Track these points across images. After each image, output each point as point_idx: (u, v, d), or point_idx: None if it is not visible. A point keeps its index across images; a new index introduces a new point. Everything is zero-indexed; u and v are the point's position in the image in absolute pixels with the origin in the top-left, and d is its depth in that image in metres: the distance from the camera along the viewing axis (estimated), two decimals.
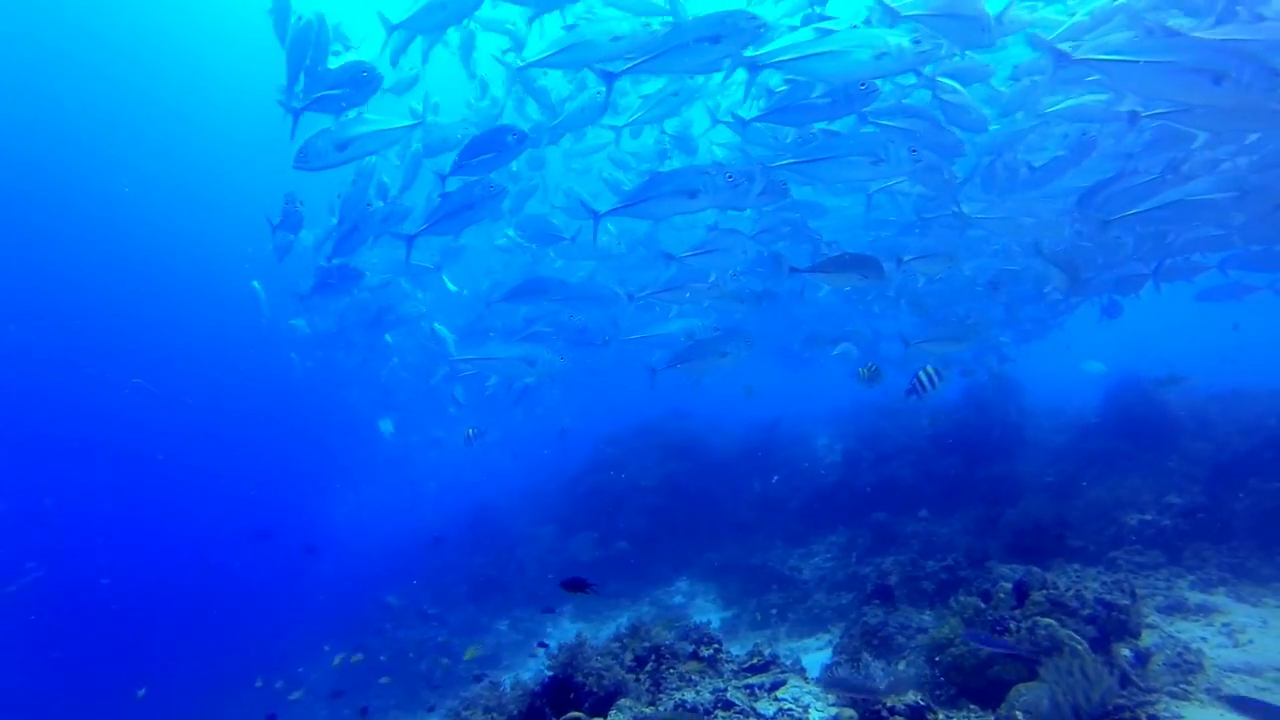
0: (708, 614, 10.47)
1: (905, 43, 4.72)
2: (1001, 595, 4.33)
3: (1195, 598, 6.12)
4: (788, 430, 14.23)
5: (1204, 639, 5.10)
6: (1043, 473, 10.77)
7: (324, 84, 5.94)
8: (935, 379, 6.44)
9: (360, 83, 5.97)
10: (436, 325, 11.21)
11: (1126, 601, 4.07)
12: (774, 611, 9.26)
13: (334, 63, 6.31)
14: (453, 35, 8.28)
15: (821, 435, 14.52)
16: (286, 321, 14.73)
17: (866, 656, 5.74)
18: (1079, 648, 3.61)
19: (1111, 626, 3.96)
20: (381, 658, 10.06)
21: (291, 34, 6.39)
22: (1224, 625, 5.31)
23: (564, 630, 11.50)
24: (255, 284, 12.94)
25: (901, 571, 7.25)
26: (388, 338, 13.58)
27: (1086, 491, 9.24)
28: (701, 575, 11.45)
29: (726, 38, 4.95)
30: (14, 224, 32.52)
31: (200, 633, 16.76)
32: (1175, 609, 5.74)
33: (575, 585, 4.50)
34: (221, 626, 16.51)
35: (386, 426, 20.39)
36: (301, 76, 6.36)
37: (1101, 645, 3.90)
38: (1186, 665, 4.34)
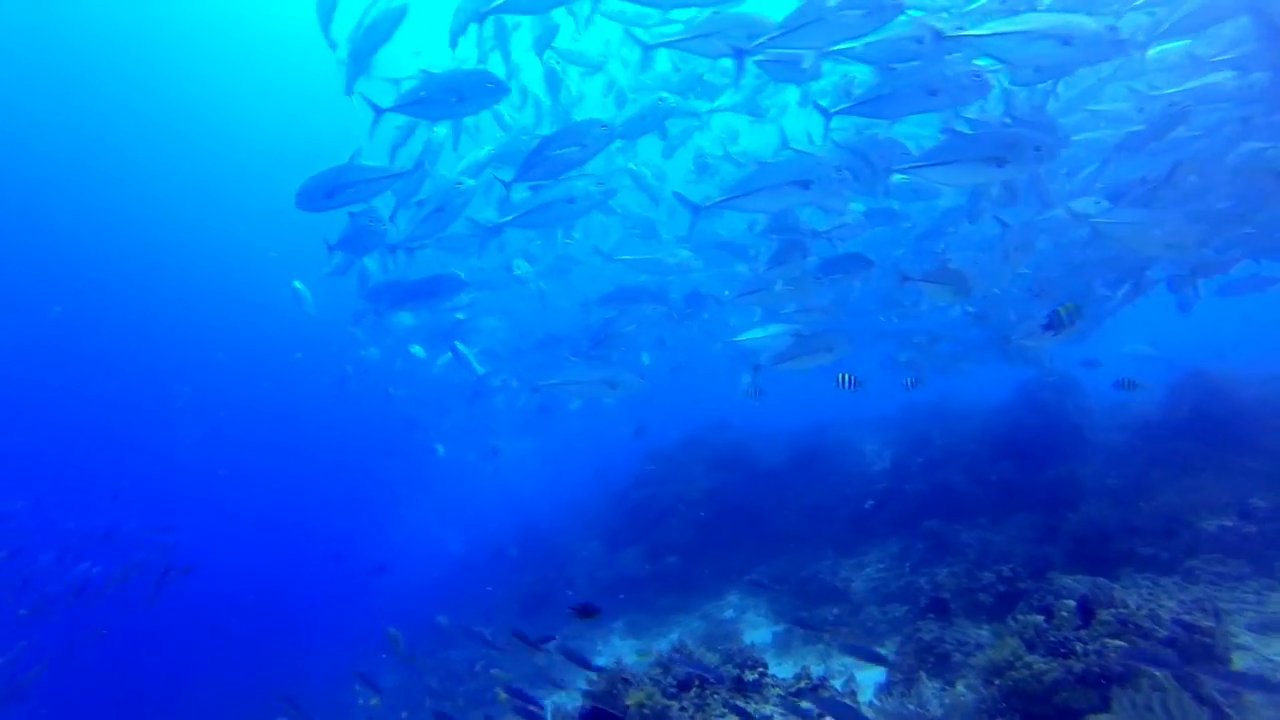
0: (759, 628, 10.25)
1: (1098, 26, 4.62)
2: (1064, 613, 4.06)
3: None
4: (834, 438, 13.92)
5: None
6: (1105, 475, 10.25)
7: (441, 88, 5.72)
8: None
9: (481, 93, 5.75)
10: (457, 344, 11.29)
11: (1210, 623, 3.75)
12: (826, 626, 8.99)
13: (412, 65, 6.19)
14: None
15: (870, 441, 14.16)
16: (356, 350, 14.96)
17: (922, 676, 5.50)
18: (1159, 676, 3.34)
19: (1194, 651, 3.65)
20: (431, 682, 10.11)
21: (369, 18, 6.28)
22: None
23: (614, 647, 11.42)
24: (297, 284, 12.63)
25: (957, 583, 6.95)
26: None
27: (1156, 495, 8.74)
28: (752, 589, 11.22)
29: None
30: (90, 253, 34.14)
31: (246, 652, 17.20)
32: (1271, 626, 5.31)
33: (585, 611, 4.42)
34: (261, 647, 16.92)
35: (441, 449, 20.64)
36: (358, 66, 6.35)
37: (1184, 671, 3.60)
38: None
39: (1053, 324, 5.82)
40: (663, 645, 11.24)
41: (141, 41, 29.28)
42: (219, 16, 28.39)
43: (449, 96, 5.69)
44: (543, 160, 5.90)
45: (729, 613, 10.96)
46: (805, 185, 5.13)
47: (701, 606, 11.30)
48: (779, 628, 9.83)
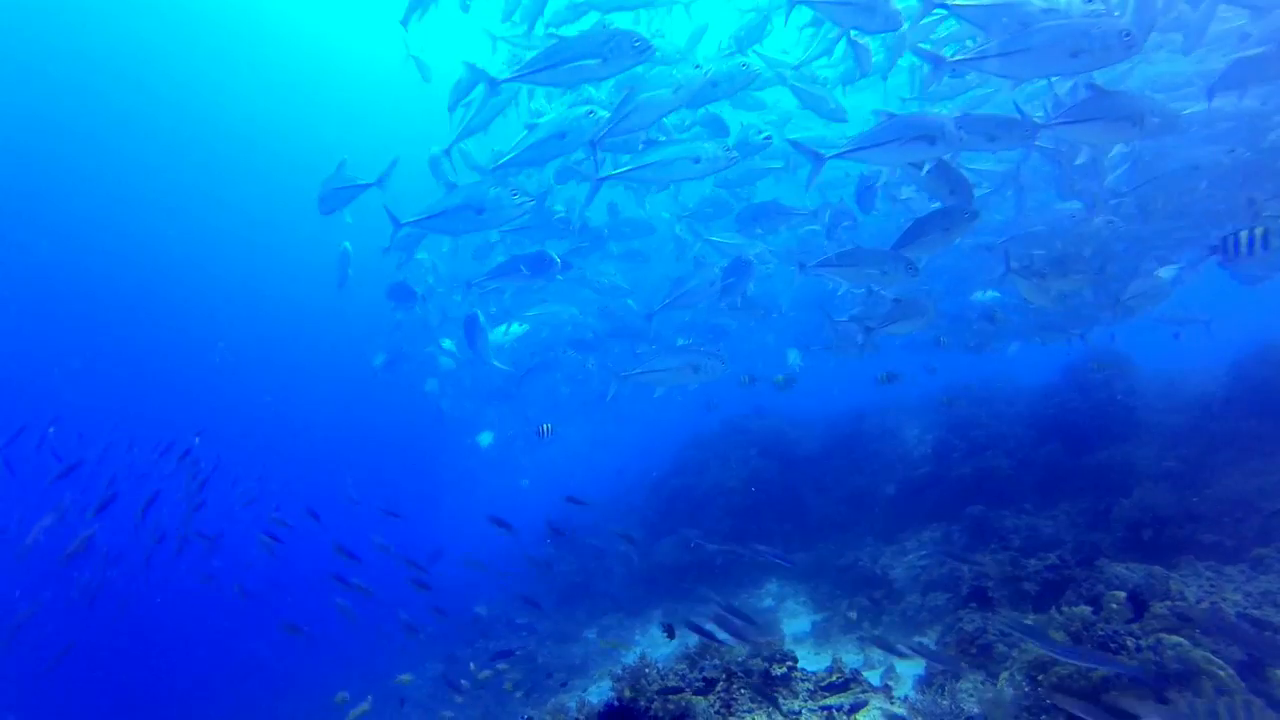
0: (799, 617, 10.10)
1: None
2: (1114, 605, 3.81)
3: None
4: (875, 423, 13.59)
5: None
6: (1161, 458, 9.78)
7: (578, 51, 5.35)
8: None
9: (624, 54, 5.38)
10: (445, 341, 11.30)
11: None
12: (867, 615, 8.81)
13: None
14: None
15: (911, 426, 13.79)
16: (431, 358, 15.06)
17: (964, 669, 5.30)
18: (1223, 674, 3.09)
19: (1264, 649, 3.37)
20: (471, 666, 10.20)
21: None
22: None
23: (652, 637, 11.37)
24: (346, 245, 12.35)
25: (1001, 571, 6.68)
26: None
27: (1218, 479, 8.29)
28: (791, 576, 11.06)
29: None
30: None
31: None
32: None
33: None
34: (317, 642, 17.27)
35: (485, 438, 20.73)
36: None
37: (1252, 672, 3.33)
38: None
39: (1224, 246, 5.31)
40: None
41: (149, 47, 30.05)
42: (227, 22, 29.05)
43: (590, 59, 5.29)
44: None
45: (769, 601, 10.82)
46: (931, 141, 4.91)
47: (740, 595, 11.17)
48: (819, 616, 9.66)
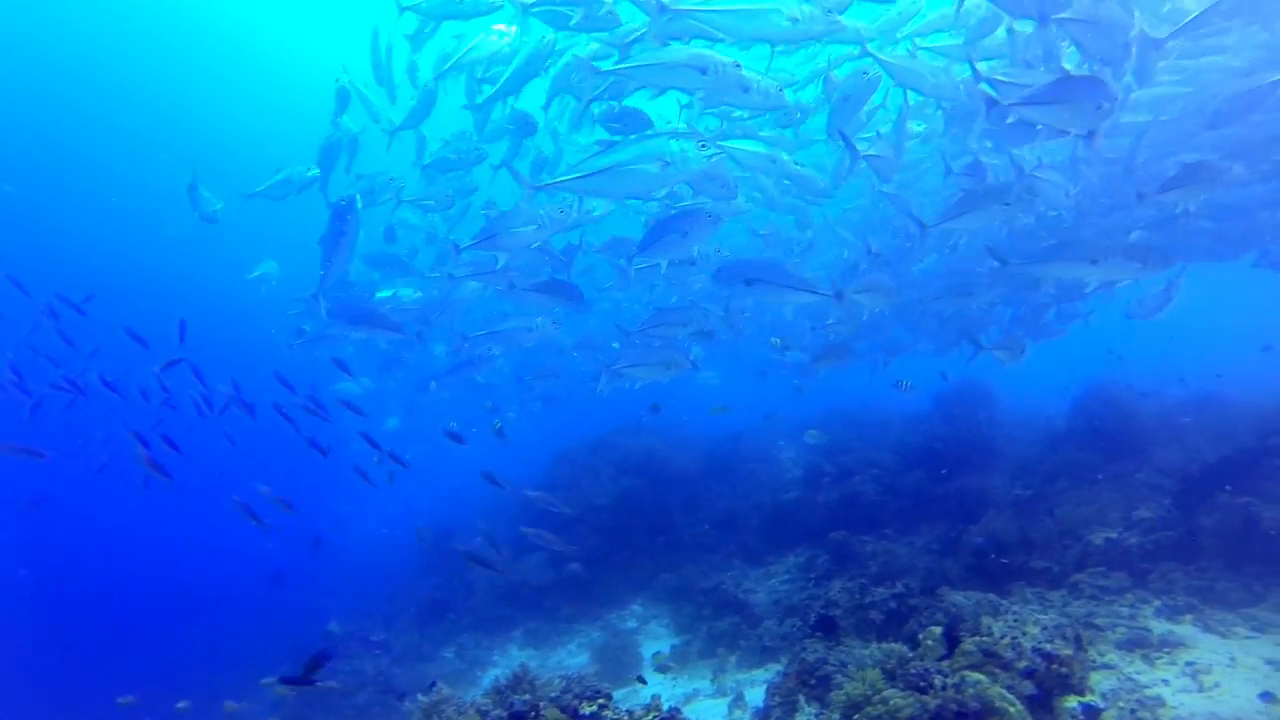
0: (660, 640, 9.90)
1: None
2: (929, 642, 3.78)
3: (1160, 628, 5.60)
4: (752, 444, 13.69)
5: (1166, 681, 4.58)
6: (1012, 486, 10.29)
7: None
8: None
9: None
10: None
11: (1069, 651, 3.54)
12: (723, 640, 8.69)
13: None
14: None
15: (788, 448, 13.99)
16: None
17: (800, 701, 5.18)
18: (1013, 710, 3.06)
19: (1052, 681, 3.42)
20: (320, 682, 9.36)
21: None
22: (1188, 664, 4.79)
23: (511, 658, 10.88)
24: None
25: (850, 599, 6.70)
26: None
27: (1053, 507, 8.76)
28: (657, 598, 10.86)
29: None
30: None
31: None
32: (1137, 644, 5.21)
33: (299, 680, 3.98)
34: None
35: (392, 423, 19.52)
36: None
37: (1042, 703, 3.36)
38: None
39: None
40: (560, 655, 10.81)
41: (127, 52, 29.27)
42: (201, 27, 28.56)
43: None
44: None
45: (631, 623, 10.57)
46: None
47: (604, 615, 10.88)
48: (679, 640, 9.48)
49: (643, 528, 11.66)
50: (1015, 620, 3.94)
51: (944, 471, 10.85)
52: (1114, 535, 7.26)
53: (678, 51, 4.91)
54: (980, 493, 10.14)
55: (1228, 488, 6.91)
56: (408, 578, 14.47)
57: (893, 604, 6.55)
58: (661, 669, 8.78)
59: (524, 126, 7.71)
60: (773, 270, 5.65)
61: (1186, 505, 7.32)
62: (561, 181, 4.75)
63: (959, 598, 6.47)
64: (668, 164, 4.46)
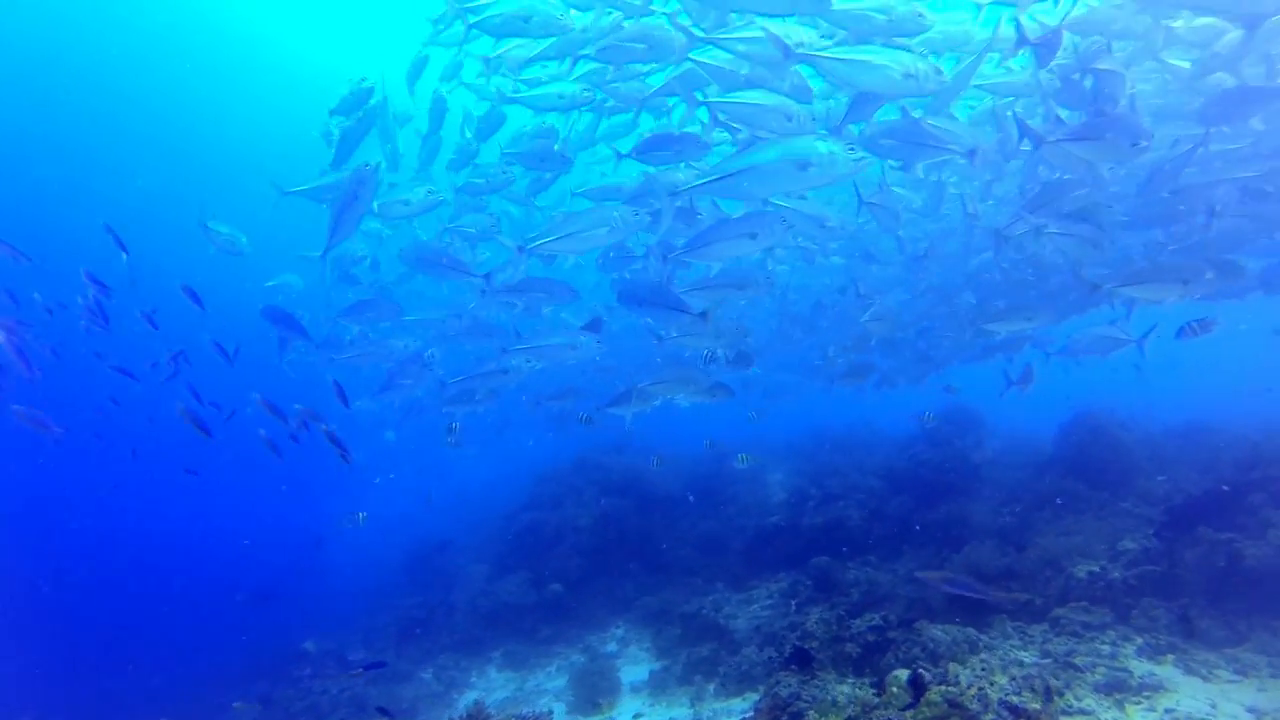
0: (640, 664, 9.73)
1: None
2: (895, 689, 3.67)
3: (1141, 669, 5.49)
4: (738, 466, 13.56)
5: None
6: (998, 513, 10.19)
7: None
8: None
9: None
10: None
11: (1037, 705, 3.42)
12: (702, 666, 8.55)
13: None
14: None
15: (776, 471, 13.88)
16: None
17: None
18: None
19: None
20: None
21: None
22: (1168, 711, 4.67)
23: (490, 680, 10.70)
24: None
25: (827, 631, 6.57)
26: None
27: (1038, 536, 8.66)
28: (638, 620, 10.70)
29: None
30: None
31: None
32: (1116, 687, 5.10)
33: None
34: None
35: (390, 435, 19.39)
36: None
37: None
38: None
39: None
40: (539, 678, 10.63)
41: (132, 56, 29.65)
42: (207, 31, 29.01)
43: None
44: None
45: (611, 646, 10.40)
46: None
47: (585, 638, 10.71)
48: (658, 665, 9.32)
49: (625, 549, 11.53)
50: (983, 669, 3.83)
51: (929, 497, 10.76)
52: (1097, 569, 7.15)
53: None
54: (965, 519, 10.03)
55: (1210, 523, 6.83)
56: (390, 593, 14.30)
57: (870, 637, 6.42)
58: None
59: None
60: (651, 290, 5.84)
61: (1170, 539, 7.22)
62: (699, 185, 4.61)
63: (937, 632, 6.37)
64: (812, 165, 4.27)
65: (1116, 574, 7.01)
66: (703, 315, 5.58)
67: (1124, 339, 7.02)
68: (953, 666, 3.70)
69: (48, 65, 28.67)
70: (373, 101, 8.20)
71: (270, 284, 11.90)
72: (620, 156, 6.86)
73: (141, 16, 27.62)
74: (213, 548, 20.64)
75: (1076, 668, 5.29)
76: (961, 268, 10.58)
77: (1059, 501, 9.56)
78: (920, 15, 4.99)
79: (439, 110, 8.49)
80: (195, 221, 8.20)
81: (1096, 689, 5.06)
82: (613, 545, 11.48)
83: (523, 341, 7.19)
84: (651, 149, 6.31)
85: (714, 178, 4.64)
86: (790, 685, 5.65)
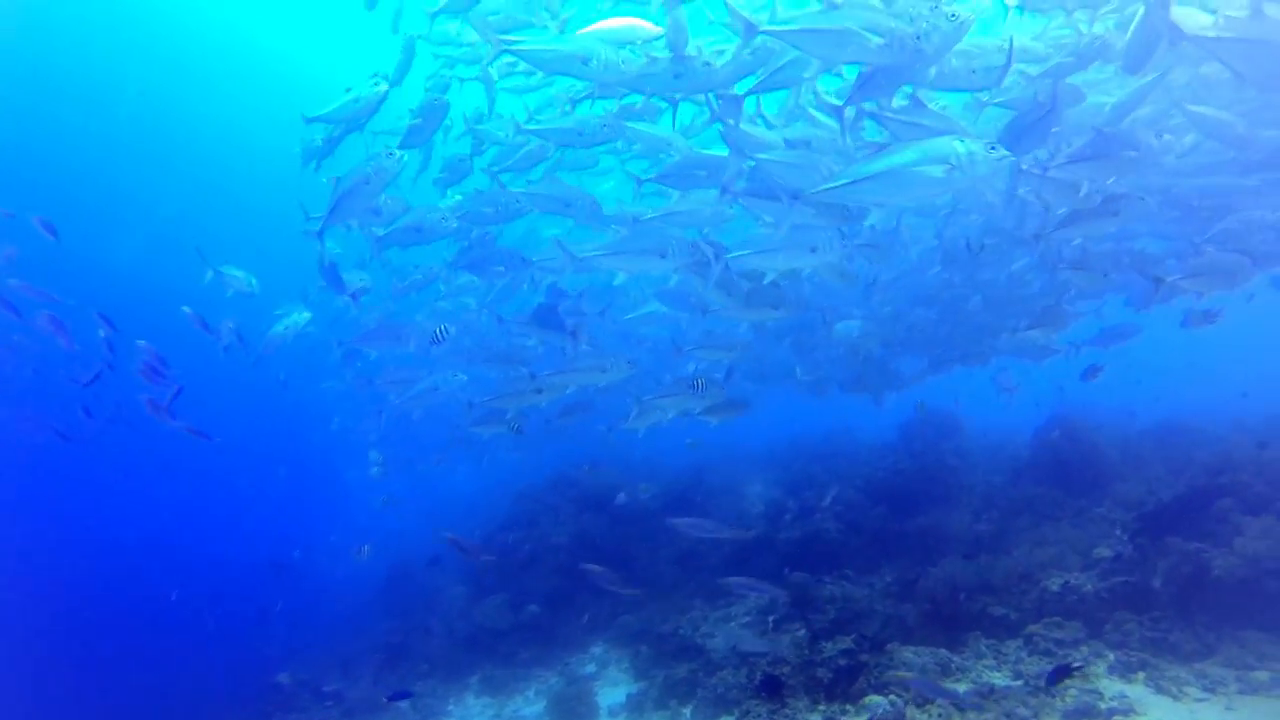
0: (618, 686, 9.60)
1: None
2: None
3: (1112, 689, 5.44)
4: (716, 478, 13.47)
5: None
6: (974, 522, 10.17)
7: None
8: None
9: None
10: None
11: None
12: (679, 689, 8.43)
13: None
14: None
15: (754, 482, 13.79)
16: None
17: None
18: None
19: None
20: None
21: None
22: None
23: (467, 707, 10.53)
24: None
25: (799, 655, 6.49)
26: None
27: (1015, 545, 8.62)
28: (616, 640, 10.57)
29: None
30: None
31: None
32: (1085, 714, 5.03)
33: None
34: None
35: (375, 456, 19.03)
36: None
37: None
38: None
39: None
40: (517, 703, 10.46)
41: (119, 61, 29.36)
42: (194, 35, 28.74)
43: None
44: None
45: (590, 667, 10.26)
46: None
47: (563, 660, 10.56)
48: (635, 687, 9.20)
49: (604, 567, 11.37)
50: (941, 714, 3.74)
51: (907, 506, 10.72)
52: (1071, 580, 7.11)
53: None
54: (942, 529, 10.00)
55: (1180, 531, 6.80)
56: (370, 615, 14.07)
57: (842, 661, 6.33)
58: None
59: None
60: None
61: (1142, 547, 7.19)
62: (831, 188, 4.33)
63: (909, 654, 6.30)
64: (953, 167, 3.97)
65: (1089, 586, 6.97)
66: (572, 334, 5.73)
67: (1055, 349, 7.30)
68: (910, 711, 3.61)
69: (29, 70, 28.21)
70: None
71: (277, 312, 11.31)
72: (640, 182, 6.59)
73: (126, 23, 27.29)
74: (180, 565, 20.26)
75: (1048, 693, 5.22)
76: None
77: (1035, 508, 9.55)
78: None
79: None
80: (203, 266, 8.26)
81: (1065, 715, 4.99)
82: (591, 563, 11.33)
83: (553, 368, 7.04)
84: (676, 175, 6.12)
85: (845, 181, 4.30)
86: (759, 714, 5.56)
